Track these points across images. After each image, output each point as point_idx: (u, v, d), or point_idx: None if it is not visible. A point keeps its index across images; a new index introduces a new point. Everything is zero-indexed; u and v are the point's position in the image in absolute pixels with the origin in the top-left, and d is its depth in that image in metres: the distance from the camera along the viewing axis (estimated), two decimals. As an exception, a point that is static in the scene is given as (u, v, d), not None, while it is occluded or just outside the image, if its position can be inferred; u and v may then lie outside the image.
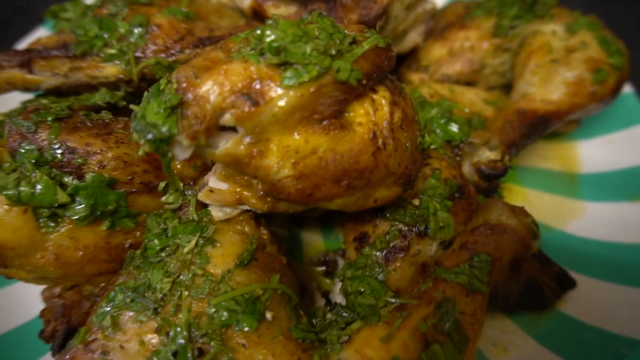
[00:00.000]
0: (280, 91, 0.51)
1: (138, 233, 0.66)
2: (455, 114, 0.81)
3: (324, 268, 0.82)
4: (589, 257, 0.81)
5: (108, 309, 0.57)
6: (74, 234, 0.61)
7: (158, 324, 0.53)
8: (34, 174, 0.57)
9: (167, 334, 0.52)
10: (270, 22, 0.53)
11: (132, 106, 0.52)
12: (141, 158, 0.63)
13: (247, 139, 0.53)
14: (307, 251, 0.86)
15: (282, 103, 0.52)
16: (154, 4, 0.80)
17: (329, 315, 0.62)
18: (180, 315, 0.53)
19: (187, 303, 0.54)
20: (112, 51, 0.73)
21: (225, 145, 0.53)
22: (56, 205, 0.58)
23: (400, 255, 0.67)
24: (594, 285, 0.77)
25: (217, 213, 0.63)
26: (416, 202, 0.69)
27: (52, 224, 0.60)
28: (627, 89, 0.96)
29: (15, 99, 0.80)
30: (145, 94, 0.53)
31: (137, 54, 0.73)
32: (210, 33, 0.78)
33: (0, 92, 0.75)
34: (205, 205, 0.64)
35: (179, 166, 0.67)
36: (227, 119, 0.52)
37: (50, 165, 0.59)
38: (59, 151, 0.59)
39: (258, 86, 0.52)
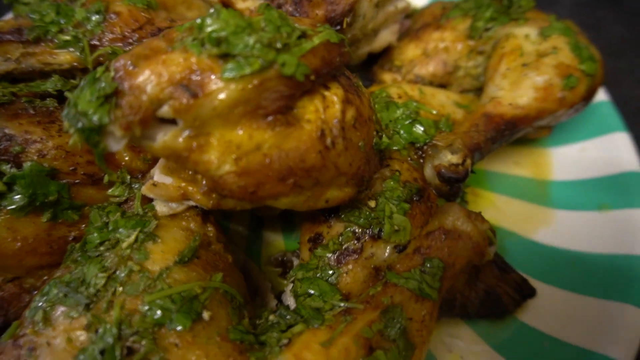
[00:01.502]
0: (220, 84, 0.49)
1: (83, 226, 0.64)
2: (422, 116, 0.79)
3: (280, 269, 0.80)
4: (553, 266, 0.79)
5: (41, 303, 0.55)
6: (12, 225, 0.59)
7: (88, 320, 0.51)
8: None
9: (96, 331, 0.51)
10: (211, 10, 0.51)
11: (66, 94, 0.50)
12: (84, 149, 0.61)
13: (186, 132, 0.51)
14: (267, 251, 0.84)
15: (222, 96, 0.50)
16: (117, -10, 0.78)
17: (271, 317, 0.60)
18: (112, 313, 0.51)
19: (120, 300, 0.52)
20: (67, 38, 0.71)
21: (164, 137, 0.51)
22: (-4, 196, 0.57)
23: (353, 258, 0.65)
24: (556, 294, 0.75)
25: (161, 208, 0.61)
26: (372, 203, 0.67)
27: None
28: (602, 96, 0.94)
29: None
30: (81, 81, 0.51)
31: (94, 42, 0.71)
32: (171, 23, 0.76)
33: (-48, 76, 0.73)
34: (152, 200, 0.62)
35: (127, 158, 0.65)
36: (165, 110, 0.50)
37: (-14, 151, 0.57)
38: (-2, 136, 0.57)
39: (198, 78, 0.50)
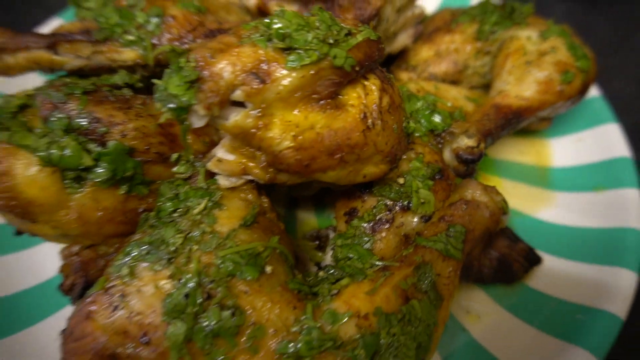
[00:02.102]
0: (284, 72, 0.60)
1: (150, 199, 0.73)
2: (438, 107, 0.90)
3: (316, 242, 0.90)
4: (555, 239, 0.90)
5: (125, 260, 0.64)
6: (96, 196, 0.68)
7: (171, 272, 0.60)
8: (63, 139, 0.65)
9: (180, 280, 0.60)
10: (277, 11, 0.61)
11: (154, 80, 0.60)
12: (157, 131, 0.71)
13: (254, 113, 0.61)
14: (301, 228, 0.93)
15: (285, 82, 0.60)
16: (168, -3, 0.88)
17: (320, 273, 0.70)
18: (191, 265, 0.61)
19: (197, 255, 0.61)
20: (131, 37, 0.81)
21: (235, 117, 0.61)
22: (81, 168, 0.66)
23: (385, 227, 0.75)
24: (558, 262, 0.86)
25: (224, 181, 0.70)
26: (401, 180, 0.77)
27: (76, 185, 0.67)
28: (595, 92, 1.06)
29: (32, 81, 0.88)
30: (167, 70, 0.60)
31: (153, 41, 0.81)
32: (219, 25, 0.86)
33: (26, 70, 0.82)
34: (213, 176, 0.72)
35: (189, 141, 0.75)
36: (237, 94, 0.60)
37: (77, 133, 0.66)
38: (86, 120, 0.66)
39: (265, 67, 0.60)
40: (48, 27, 1.17)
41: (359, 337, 0.60)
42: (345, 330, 0.60)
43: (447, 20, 1.08)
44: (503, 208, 0.75)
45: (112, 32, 0.81)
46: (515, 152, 1.05)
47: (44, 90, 0.68)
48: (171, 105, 0.57)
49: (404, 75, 1.06)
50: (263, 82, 0.60)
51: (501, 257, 0.82)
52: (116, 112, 0.68)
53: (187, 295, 0.59)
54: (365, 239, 0.75)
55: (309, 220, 0.95)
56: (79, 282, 0.71)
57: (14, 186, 0.64)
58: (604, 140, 1.00)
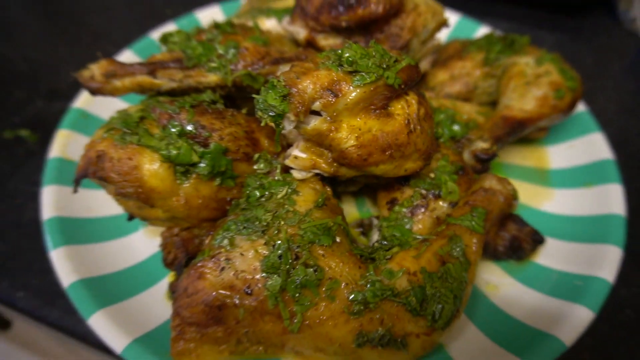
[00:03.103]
0: (351, 89, 0.80)
1: (235, 191, 0.92)
2: (456, 119, 1.11)
3: (360, 230, 1.08)
4: (555, 225, 1.09)
5: (224, 234, 0.82)
6: (197, 186, 0.87)
7: (265, 240, 0.79)
8: (178, 142, 0.84)
9: (273, 245, 0.78)
10: (347, 45, 0.82)
11: (254, 96, 0.80)
12: (244, 135, 0.91)
13: (328, 119, 0.81)
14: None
15: (352, 96, 0.80)
16: (237, 33, 1.09)
17: (375, 244, 0.89)
18: (281, 234, 0.79)
19: (284, 227, 0.80)
20: (214, 65, 1.01)
21: (315, 123, 0.81)
22: (190, 164, 0.85)
23: (422, 211, 0.95)
24: (558, 243, 1.05)
25: (297, 174, 0.90)
26: (432, 175, 0.97)
27: (184, 178, 0.86)
28: (583, 108, 1.28)
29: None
30: (262, 88, 0.81)
31: (232, 67, 1.02)
32: (281, 55, 1.07)
33: (129, 92, 1.02)
34: (287, 171, 0.91)
35: (266, 144, 0.95)
36: (316, 105, 0.80)
37: (187, 137, 0.86)
38: (193, 127, 0.86)
39: (337, 85, 0.80)
40: (121, 57, 1.38)
41: (410, 288, 0.79)
42: (400, 283, 0.79)
43: (459, 49, 1.30)
44: (514, 194, 0.94)
45: (199, 60, 1.01)
46: (519, 157, 1.26)
47: (160, 104, 0.88)
48: (271, 113, 0.77)
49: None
50: (336, 96, 0.80)
51: (512, 237, 1.01)
52: (215, 120, 0.88)
53: (280, 256, 0.77)
54: (405, 220, 0.94)
55: (351, 213, 1.13)
56: (181, 256, 0.89)
57: (141, 177, 0.83)
58: (591, 146, 1.21)
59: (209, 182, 0.88)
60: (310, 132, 0.82)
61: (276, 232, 0.80)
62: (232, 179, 0.91)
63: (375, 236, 0.97)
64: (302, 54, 1.09)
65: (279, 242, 0.78)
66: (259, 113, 0.79)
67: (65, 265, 0.92)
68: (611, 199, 1.07)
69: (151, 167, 0.83)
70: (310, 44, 1.18)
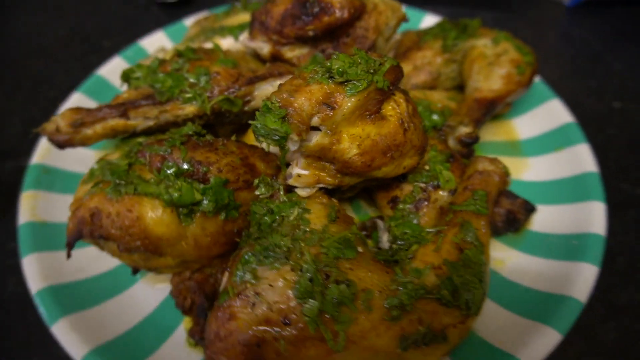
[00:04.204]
0: (346, 99, 0.80)
1: (240, 221, 0.89)
2: (432, 108, 1.14)
3: (364, 232, 1.09)
4: (539, 192, 1.16)
5: (245, 269, 0.79)
6: (204, 224, 0.83)
7: (291, 265, 0.77)
8: (176, 183, 0.80)
9: (300, 269, 0.77)
10: (334, 56, 0.82)
11: (252, 122, 0.78)
12: (241, 163, 0.88)
13: (329, 132, 0.81)
14: (346, 226, 1.12)
15: (348, 106, 0.80)
16: (202, 58, 1.05)
17: (394, 246, 0.90)
18: (305, 257, 0.78)
19: (307, 249, 0.79)
20: (189, 95, 0.97)
21: (317, 138, 0.80)
22: (192, 204, 0.81)
23: (425, 204, 0.97)
24: (546, 208, 1.11)
25: (302, 192, 0.88)
26: (427, 167, 1.00)
27: (189, 219, 0.82)
28: (536, 78, 1.36)
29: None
30: (257, 113, 0.78)
31: (207, 95, 0.98)
32: (254, 73, 1.05)
33: (102, 138, 0.96)
34: (289, 191, 0.90)
35: (263, 167, 0.92)
36: (315, 121, 0.79)
37: (185, 176, 0.82)
38: (189, 165, 0.82)
39: (332, 98, 0.80)
40: (71, 102, 1.29)
41: (439, 282, 0.80)
42: (429, 279, 0.81)
43: (415, 40, 1.34)
44: (506, 172, 0.99)
45: (171, 93, 0.97)
46: (490, 133, 1.32)
47: (149, 147, 0.83)
48: (275, 137, 0.75)
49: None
50: (332, 108, 0.79)
51: (507, 211, 1.06)
52: (209, 153, 0.85)
53: (311, 279, 0.76)
54: (411, 216, 0.96)
55: (351, 217, 1.14)
56: (199, 299, 0.85)
57: (146, 227, 0.78)
58: (552, 112, 1.29)
59: (214, 218, 0.85)
60: (313, 148, 0.81)
61: (299, 255, 0.78)
62: (235, 209, 0.88)
63: (384, 237, 0.98)
64: (274, 69, 1.07)
65: (306, 265, 0.77)
66: (261, 139, 0.76)
67: (72, 337, 0.84)
68: (582, 158, 1.15)
69: (154, 215, 0.79)
70: (276, 57, 1.17)
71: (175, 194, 0.79)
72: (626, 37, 1.68)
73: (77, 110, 0.94)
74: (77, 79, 1.48)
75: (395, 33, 1.22)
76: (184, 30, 1.56)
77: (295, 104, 0.78)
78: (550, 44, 1.69)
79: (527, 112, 1.34)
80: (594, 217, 1.03)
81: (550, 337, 0.84)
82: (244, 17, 1.32)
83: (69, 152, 1.15)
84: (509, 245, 1.07)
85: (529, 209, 1.08)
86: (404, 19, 1.18)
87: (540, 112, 1.32)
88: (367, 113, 0.84)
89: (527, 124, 1.32)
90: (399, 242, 0.90)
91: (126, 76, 1.03)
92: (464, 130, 1.06)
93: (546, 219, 1.10)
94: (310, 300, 0.75)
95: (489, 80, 1.15)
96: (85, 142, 0.95)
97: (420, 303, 0.79)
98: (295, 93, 0.79)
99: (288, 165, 0.90)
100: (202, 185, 0.83)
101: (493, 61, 1.18)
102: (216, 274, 0.89)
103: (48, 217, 1.05)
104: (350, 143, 0.82)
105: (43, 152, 1.16)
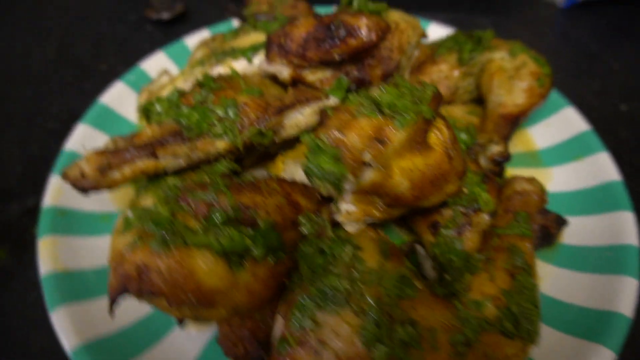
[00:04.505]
0: (395, 132, 0.78)
1: (287, 261, 0.86)
2: (458, 127, 1.13)
3: (402, 257, 1.07)
4: (565, 203, 1.17)
5: (301, 315, 0.76)
6: (254, 271, 0.80)
7: (353, 309, 0.75)
8: (225, 231, 0.76)
9: (364, 313, 0.74)
10: (381, 88, 0.79)
11: (305, 168, 0.75)
12: (286, 202, 0.84)
13: (381, 168, 0.79)
14: (381, 250, 1.10)
15: (398, 139, 0.78)
16: (224, 87, 1.01)
17: (447, 277, 0.88)
18: (367, 299, 0.75)
19: (367, 290, 0.76)
20: (219, 130, 0.93)
21: (370, 175, 0.78)
22: (244, 250, 0.77)
23: (468, 229, 0.96)
24: (575, 220, 1.12)
25: (350, 228, 0.86)
26: (465, 190, 0.99)
27: (239, 267, 0.78)
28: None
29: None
30: (307, 153, 0.75)
31: (238, 127, 0.94)
32: (281, 102, 1.01)
33: (129, 181, 0.90)
34: (333, 226, 0.87)
35: (305, 203, 0.89)
36: (367, 157, 0.77)
37: (233, 221, 0.78)
38: (237, 209, 0.78)
39: (382, 132, 0.77)
40: (77, 135, 1.21)
41: (500, 313, 0.80)
42: (489, 311, 0.80)
43: (429, 54, 1.32)
44: (544, 190, 0.99)
45: (200, 128, 0.92)
46: (509, 145, 1.32)
47: (191, 194, 0.79)
48: (332, 179, 0.72)
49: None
50: (383, 143, 0.77)
51: (541, 227, 1.06)
52: (255, 195, 0.81)
53: (376, 323, 0.73)
54: (456, 242, 0.95)
55: (385, 242, 1.12)
56: (253, 348, 0.82)
57: (198, 281, 0.74)
58: (567, 120, 1.31)
59: (264, 263, 0.81)
60: (365, 186, 0.79)
61: (359, 297, 0.76)
62: (282, 250, 0.85)
63: (427, 264, 0.97)
64: (301, 96, 1.04)
65: (369, 308, 0.74)
66: (316, 181, 0.73)
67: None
68: (605, 167, 1.17)
69: (206, 267, 0.74)
70: (296, 81, 1.13)
71: (227, 243, 0.75)
72: (622, 36, 1.72)
73: (102, 153, 0.88)
74: (75, 108, 1.40)
75: (415, 51, 1.20)
76: (186, 51, 1.50)
77: (347, 142, 0.75)
78: (550, 46, 1.71)
79: (542, 120, 1.35)
80: (625, 228, 1.04)
81: (604, 357, 0.85)
82: (255, 37, 1.28)
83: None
84: (543, 261, 1.08)
85: (561, 223, 1.09)
86: (423, 35, 1.17)
87: (555, 120, 1.33)
88: (415, 144, 0.82)
89: (543, 133, 1.33)
90: (451, 273, 0.89)
91: (146, 111, 0.98)
92: (496, 149, 1.05)
93: (576, 231, 1.11)
94: (378, 344, 0.72)
95: (512, 95, 1.15)
96: (112, 186, 0.89)
97: (483, 337, 0.78)
98: (345, 129, 0.76)
99: (327, 198, 0.87)
100: (251, 230, 0.79)
101: (513, 75, 1.18)
102: (265, 319, 0.85)
103: (72, 265, 0.99)
104: (401, 177, 0.80)
105: (55, 193, 1.09)
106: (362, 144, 0.76)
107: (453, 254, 0.93)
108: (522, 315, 0.81)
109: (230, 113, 0.94)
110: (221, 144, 0.93)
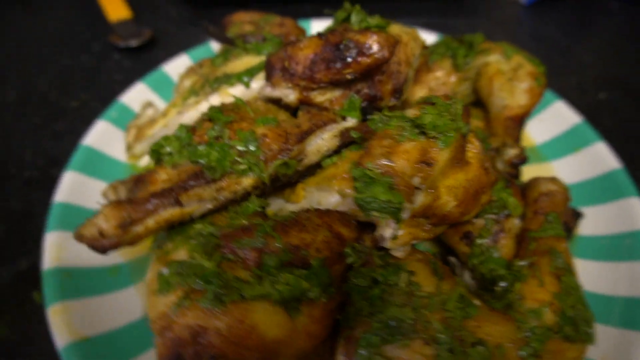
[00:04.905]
0: (440, 152, 0.76)
1: (336, 296, 0.82)
2: (469, 133, 1.14)
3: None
4: (574, 196, 1.20)
5: (368, 350, 0.73)
6: (311, 312, 0.75)
7: (422, 339, 0.72)
8: (280, 277, 0.71)
9: (434, 341, 0.72)
10: (423, 109, 0.77)
11: (357, 196, 0.71)
12: (331, 235, 0.80)
13: (430, 191, 0.77)
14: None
15: (443, 159, 0.77)
16: (236, 119, 0.95)
17: (497, 289, 0.88)
18: (435, 326, 0.73)
19: (433, 317, 0.74)
20: (243, 166, 0.87)
21: (420, 199, 0.76)
22: (301, 294, 0.73)
23: (502, 235, 0.96)
24: (587, 211, 1.16)
25: (398, 253, 0.83)
26: (494, 197, 0.99)
27: (296, 311, 0.74)
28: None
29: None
30: (358, 185, 0.72)
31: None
32: (298, 129, 0.97)
33: (153, 234, 0.83)
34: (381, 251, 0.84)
35: (347, 233, 0.85)
36: (416, 181, 0.75)
37: (285, 265, 0.73)
38: (288, 252, 0.74)
39: (427, 154, 0.76)
40: (65, 185, 1.10)
41: (558, 318, 0.80)
42: (548, 318, 0.80)
43: (422, 62, 1.33)
44: (567, 189, 1.02)
45: (222, 167, 0.86)
46: (508, 143, 1.35)
47: (237, 242, 0.73)
48: (391, 210, 0.69)
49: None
50: (430, 165, 0.75)
51: (562, 223, 1.09)
52: (302, 234, 0.77)
53: (450, 350, 0.71)
54: (492, 250, 0.95)
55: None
56: (316, 393, 0.77)
57: (261, 334, 0.68)
58: (560, 114, 1.35)
59: (318, 302, 0.77)
60: (417, 210, 0.77)
61: (427, 325, 0.74)
62: (331, 286, 0.81)
63: (466, 275, 0.96)
64: (318, 120, 1.00)
65: (439, 334, 0.73)
66: (375, 214, 0.70)
67: None
68: (604, 157, 1.22)
69: (267, 319, 0.69)
70: (304, 103, 1.09)
71: (285, 289, 0.71)
72: (587, 28, 1.82)
73: (120, 206, 0.81)
74: (50, 151, 1.28)
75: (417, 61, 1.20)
76: (167, 79, 1.42)
77: (397, 168, 0.73)
78: (523, 45, 1.76)
79: (535, 116, 1.39)
80: (637, 214, 1.09)
81: (652, 344, 0.88)
82: (248, 60, 1.23)
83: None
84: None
85: (577, 215, 1.12)
86: (424, 45, 1.16)
87: (548, 115, 1.38)
88: (455, 161, 0.81)
89: (538, 128, 1.38)
90: (502, 286, 0.88)
91: (157, 154, 0.91)
92: (513, 152, 1.07)
93: (589, 221, 1.15)
94: (456, 372, 0.71)
95: (515, 97, 1.17)
96: (135, 242, 0.82)
97: (548, 345, 0.78)
98: (392, 156, 0.74)
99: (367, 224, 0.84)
100: (304, 271, 0.75)
101: (512, 77, 1.20)
102: (323, 355, 0.81)
103: (92, 331, 0.89)
104: (448, 195, 0.79)
105: (56, 253, 0.99)
106: (411, 168, 0.73)
107: (493, 262, 0.93)
108: (578, 317, 0.81)
109: (251, 147, 0.89)
110: (248, 181, 0.88)
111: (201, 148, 0.88)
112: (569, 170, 1.26)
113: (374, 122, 0.89)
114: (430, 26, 1.64)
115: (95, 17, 1.74)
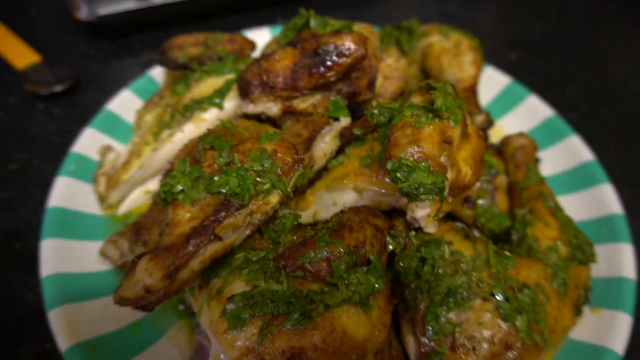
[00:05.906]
0: (454, 130, 0.84)
1: (388, 283, 0.87)
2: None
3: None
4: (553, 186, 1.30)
5: (437, 322, 0.79)
6: (379, 304, 0.79)
7: (481, 297, 0.80)
8: (353, 277, 0.74)
9: (494, 295, 0.80)
10: (435, 94, 0.83)
11: (400, 186, 0.76)
12: (374, 227, 0.84)
13: (453, 167, 0.84)
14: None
15: (457, 135, 0.84)
16: (235, 142, 0.94)
17: (513, 238, 0.99)
18: (487, 283, 0.81)
19: (482, 276, 0.82)
20: (266, 186, 0.87)
21: (450, 175, 0.83)
22: (372, 289, 0.76)
23: (497, 192, 1.08)
24: (563, 198, 1.25)
25: (431, 229, 0.90)
26: (481, 160, 1.10)
27: (368, 306, 0.77)
28: (510, 79, 1.53)
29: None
30: (399, 175, 0.77)
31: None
32: (300, 138, 0.98)
33: (199, 273, 0.79)
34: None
35: (380, 223, 0.90)
36: (443, 160, 0.81)
37: (352, 266, 0.76)
38: (351, 253, 0.76)
39: (446, 133, 0.83)
40: (45, 256, 0.99)
41: (569, 248, 0.93)
42: (562, 250, 0.93)
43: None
44: (533, 139, 1.17)
45: (247, 191, 0.85)
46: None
47: (305, 257, 0.74)
48: (437, 190, 0.75)
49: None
50: (450, 143, 0.83)
51: (528, 170, 1.25)
52: (354, 234, 0.79)
53: (506, 299, 0.80)
54: (492, 207, 1.07)
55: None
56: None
57: (351, 337, 0.71)
58: (533, 109, 1.45)
59: (381, 293, 0.81)
60: (449, 185, 0.84)
61: (480, 284, 0.82)
62: (383, 279, 0.85)
63: (476, 233, 1.07)
64: (315, 125, 1.02)
65: (493, 289, 0.81)
66: (423, 197, 0.76)
67: None
68: (578, 150, 1.28)
69: (352, 321, 0.72)
70: (287, 112, 1.10)
71: (360, 289, 0.73)
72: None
73: (159, 256, 0.76)
74: (7, 228, 1.13)
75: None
76: (116, 120, 1.31)
77: (427, 152, 0.79)
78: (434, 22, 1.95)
79: (508, 112, 1.49)
80: (608, 199, 1.15)
81: (624, 321, 0.91)
82: (212, 82, 1.20)
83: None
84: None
85: (537, 160, 1.29)
86: (381, 38, 1.24)
87: (521, 109, 1.47)
88: (462, 135, 0.89)
89: (512, 122, 1.47)
90: (516, 234, 0.99)
91: (170, 195, 0.86)
92: (480, 118, 1.19)
93: (568, 208, 1.10)
94: (517, 316, 0.79)
95: (464, 70, 1.30)
96: (182, 289, 0.78)
97: (570, 272, 0.91)
98: (420, 142, 0.80)
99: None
100: (366, 268, 0.78)
101: (456, 52, 1.33)
102: (391, 342, 0.85)
103: (92, 334, 0.90)
104: (464, 167, 0.87)
105: (70, 330, 0.89)
106: (438, 149, 0.80)
107: (498, 217, 1.05)
108: (581, 243, 0.96)
109: (266, 164, 0.89)
110: (275, 199, 0.87)
111: (217, 178, 0.86)
112: (546, 162, 1.32)
113: (375, 116, 0.94)
114: (350, 18, 1.71)
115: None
